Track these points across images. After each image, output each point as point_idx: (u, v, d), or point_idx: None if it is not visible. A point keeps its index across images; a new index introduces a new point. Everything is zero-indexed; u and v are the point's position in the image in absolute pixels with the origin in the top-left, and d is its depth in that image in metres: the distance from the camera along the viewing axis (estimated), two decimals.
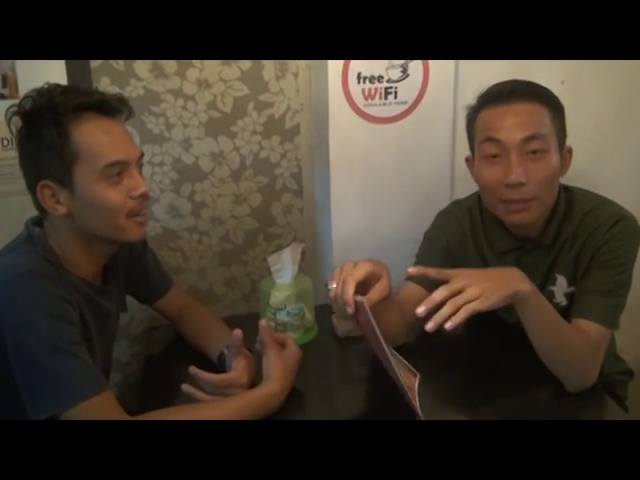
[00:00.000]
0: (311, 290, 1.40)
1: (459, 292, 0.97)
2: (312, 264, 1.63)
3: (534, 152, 1.11)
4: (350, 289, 1.00)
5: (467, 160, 1.26)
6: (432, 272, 1.04)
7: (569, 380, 1.12)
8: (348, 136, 1.43)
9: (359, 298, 1.00)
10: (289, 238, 1.59)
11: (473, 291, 0.96)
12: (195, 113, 1.44)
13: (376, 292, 1.04)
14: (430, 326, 0.94)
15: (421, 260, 1.33)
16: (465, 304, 0.95)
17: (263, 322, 1.13)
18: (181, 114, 1.43)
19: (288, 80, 1.46)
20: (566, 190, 1.23)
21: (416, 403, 1.03)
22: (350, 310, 1.00)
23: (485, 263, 1.30)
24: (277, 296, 1.34)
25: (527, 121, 1.11)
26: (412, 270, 1.05)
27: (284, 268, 1.33)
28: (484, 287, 0.97)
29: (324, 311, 1.46)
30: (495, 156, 1.13)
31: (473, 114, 1.19)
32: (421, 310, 0.95)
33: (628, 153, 1.62)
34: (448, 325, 0.94)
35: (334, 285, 1.03)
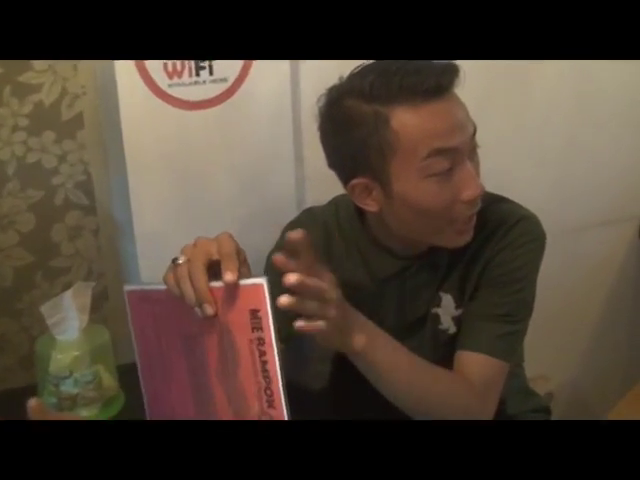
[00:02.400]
0: (110, 345, 1.09)
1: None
2: (116, 306, 1.28)
3: (472, 150, 0.88)
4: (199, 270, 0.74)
5: (354, 187, 0.91)
6: None
7: None
8: (149, 128, 1.12)
9: (258, 280, 0.74)
10: (81, 272, 1.25)
11: None
12: None
13: None
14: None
15: None
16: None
17: (33, 402, 0.83)
18: None
19: None
20: None
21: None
22: (210, 311, 0.74)
23: (355, 291, 1.01)
24: (59, 359, 1.05)
25: (466, 115, 0.86)
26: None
27: (66, 319, 1.05)
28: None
29: (133, 372, 1.11)
30: (449, 169, 0.85)
31: (375, 113, 0.84)
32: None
33: (534, 152, 1.48)
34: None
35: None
